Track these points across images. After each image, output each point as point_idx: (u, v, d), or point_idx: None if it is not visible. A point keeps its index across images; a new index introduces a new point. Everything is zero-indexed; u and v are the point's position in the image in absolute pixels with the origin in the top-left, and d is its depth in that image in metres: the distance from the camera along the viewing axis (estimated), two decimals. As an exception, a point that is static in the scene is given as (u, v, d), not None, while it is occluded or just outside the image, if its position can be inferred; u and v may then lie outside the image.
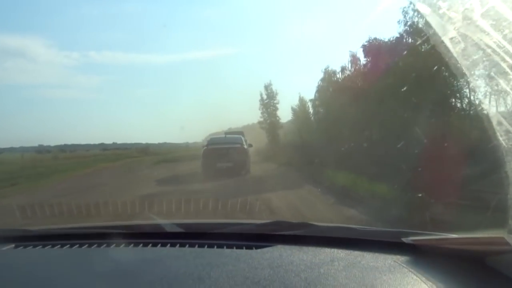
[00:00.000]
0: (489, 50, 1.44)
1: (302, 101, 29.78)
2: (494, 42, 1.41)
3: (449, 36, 1.84)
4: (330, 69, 21.50)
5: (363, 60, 16.38)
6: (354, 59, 17.25)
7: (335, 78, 20.41)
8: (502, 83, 1.44)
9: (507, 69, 1.37)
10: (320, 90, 22.12)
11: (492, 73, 1.48)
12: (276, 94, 32.01)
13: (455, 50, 1.77)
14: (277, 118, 32.41)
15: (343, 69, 18.60)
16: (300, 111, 29.09)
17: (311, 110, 25.90)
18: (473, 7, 1.54)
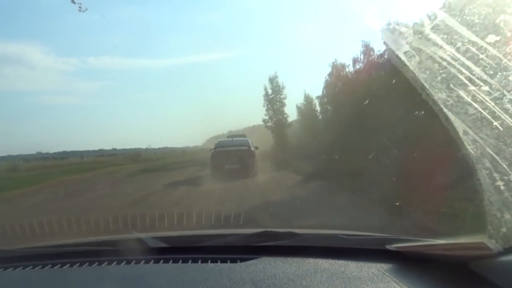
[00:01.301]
0: (444, 63, 1.45)
1: (308, 98, 26.68)
2: (449, 55, 1.41)
3: (402, 50, 1.85)
4: (338, 62, 19.61)
5: (378, 49, 14.57)
6: (367, 49, 15.65)
7: (344, 72, 18.70)
8: (462, 94, 1.44)
9: (465, 81, 1.37)
10: (328, 86, 20.19)
11: (451, 85, 1.47)
12: (283, 88, 27.86)
13: (410, 63, 1.78)
14: (285, 115, 28.18)
15: (355, 61, 16.61)
16: (306, 109, 26.21)
17: (318, 108, 23.60)
18: (423, 22, 1.55)
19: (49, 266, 1.61)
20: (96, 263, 1.59)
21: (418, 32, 1.60)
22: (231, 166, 13.18)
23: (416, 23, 1.62)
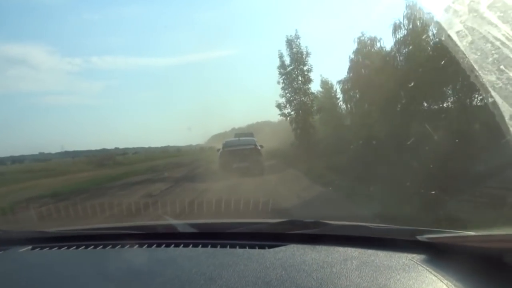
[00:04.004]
0: (498, 43, 1.40)
1: (325, 84, 20.04)
2: (503, 35, 1.36)
3: (455, 29, 1.79)
4: (366, 37, 15.05)
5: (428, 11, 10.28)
6: (412, 11, 11.41)
7: (376, 48, 14.48)
8: (513, 76, 1.39)
9: (518, 62, 1.32)
10: (353, 67, 15.35)
11: (502, 67, 1.42)
12: (307, 55, 18.47)
13: (462, 43, 1.73)
14: (311, 95, 18.73)
15: (396, 28, 11.86)
16: (325, 98, 19.79)
17: (340, 96, 17.84)
18: (479, 0, 1.49)
19: (83, 247, 1.68)
20: (128, 246, 1.65)
21: (473, 10, 1.55)
22: (239, 164, 13.53)
23: (473, 0, 1.56)
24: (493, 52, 1.46)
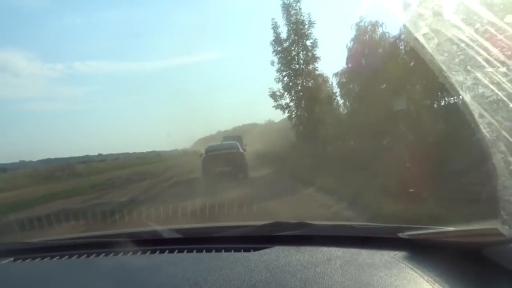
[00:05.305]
0: (463, 45, 1.44)
1: (320, 77, 15.15)
2: (467, 37, 1.41)
3: (421, 32, 1.84)
4: (365, 22, 12.28)
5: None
6: None
7: (377, 34, 11.94)
8: (480, 76, 1.43)
9: (483, 62, 1.36)
10: (352, 56, 12.62)
11: (468, 67, 1.47)
12: (311, 25, 13.73)
13: (429, 45, 1.78)
14: (317, 78, 14.03)
15: (406, 4, 6.13)
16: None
17: (337, 91, 14.19)
18: (442, 3, 1.54)
19: (67, 256, 1.65)
20: (112, 254, 1.62)
21: (438, 13, 1.59)
22: (222, 168, 13.27)
23: (436, 4, 1.61)
24: (459, 53, 1.51)
